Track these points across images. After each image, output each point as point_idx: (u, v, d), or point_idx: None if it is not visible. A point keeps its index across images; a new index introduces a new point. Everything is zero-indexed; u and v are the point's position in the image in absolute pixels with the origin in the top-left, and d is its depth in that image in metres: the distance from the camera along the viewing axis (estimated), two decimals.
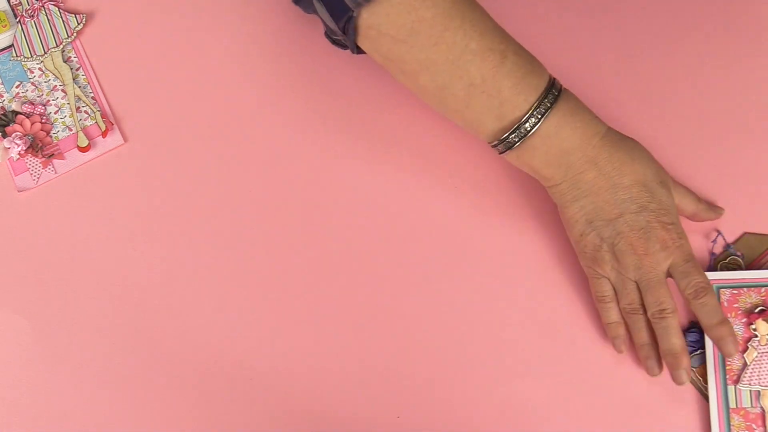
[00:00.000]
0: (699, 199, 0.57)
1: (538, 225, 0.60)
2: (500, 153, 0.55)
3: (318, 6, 0.52)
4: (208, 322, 0.59)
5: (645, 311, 0.54)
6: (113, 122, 0.64)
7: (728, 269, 0.57)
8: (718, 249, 0.58)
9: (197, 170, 0.62)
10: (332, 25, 0.53)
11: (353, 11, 0.50)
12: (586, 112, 0.54)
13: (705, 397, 0.55)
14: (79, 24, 0.66)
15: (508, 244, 0.60)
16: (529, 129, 0.52)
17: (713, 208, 0.58)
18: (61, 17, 0.66)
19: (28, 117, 0.63)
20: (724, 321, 0.53)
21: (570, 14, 0.65)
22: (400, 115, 0.63)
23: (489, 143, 0.55)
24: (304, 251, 0.60)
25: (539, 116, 0.52)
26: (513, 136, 0.53)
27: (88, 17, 0.67)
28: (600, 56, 0.64)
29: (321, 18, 0.53)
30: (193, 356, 0.58)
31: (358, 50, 0.55)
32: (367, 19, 0.51)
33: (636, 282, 0.54)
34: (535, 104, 0.52)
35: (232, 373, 0.58)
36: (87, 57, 0.66)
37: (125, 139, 0.63)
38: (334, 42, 0.59)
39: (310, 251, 0.60)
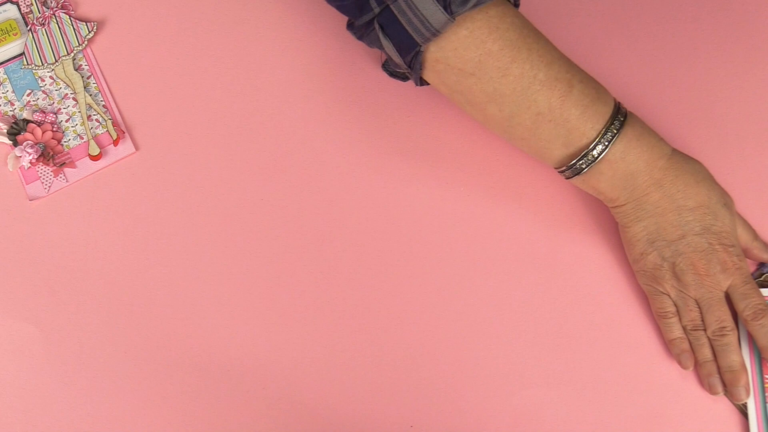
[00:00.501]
0: (756, 235, 0.58)
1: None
2: (567, 178, 0.56)
3: (385, 42, 0.53)
4: (221, 330, 0.58)
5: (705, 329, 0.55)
6: (124, 130, 0.63)
7: (763, 287, 0.56)
8: (752, 267, 0.58)
9: (209, 179, 0.62)
10: (398, 59, 0.53)
11: (421, 46, 0.51)
12: (652, 135, 0.55)
13: (744, 414, 0.55)
14: (90, 32, 0.66)
15: (527, 250, 0.60)
16: (596, 155, 0.53)
17: None
18: (72, 25, 0.66)
19: (39, 125, 0.63)
20: None
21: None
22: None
23: (556, 169, 0.56)
24: (318, 260, 0.60)
25: (606, 143, 0.53)
26: (581, 162, 0.53)
27: (99, 25, 0.66)
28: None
29: (386, 52, 0.54)
30: (205, 364, 0.58)
31: (422, 82, 0.56)
32: (435, 53, 0.52)
33: (696, 300, 0.55)
34: (603, 131, 0.53)
35: (244, 381, 0.57)
36: (98, 65, 0.65)
37: (137, 148, 0.63)
38: (392, 74, 0.61)
39: (325, 260, 0.60)
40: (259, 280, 0.60)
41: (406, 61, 0.53)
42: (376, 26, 0.52)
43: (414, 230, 0.61)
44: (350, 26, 0.56)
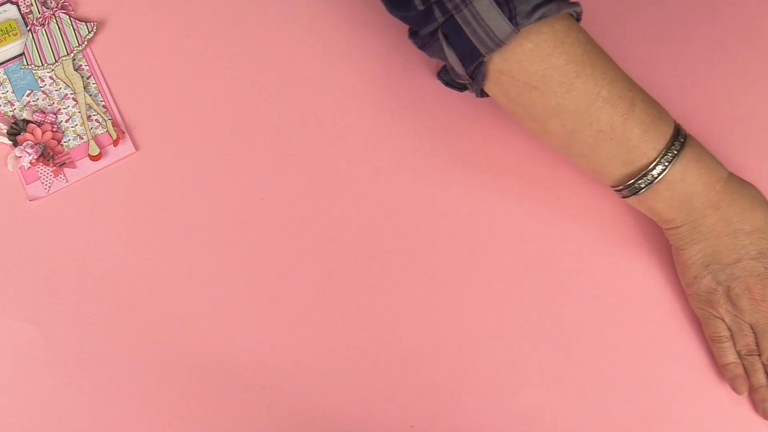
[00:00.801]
0: None
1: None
2: (623, 197, 0.56)
3: (448, 52, 0.53)
4: (221, 330, 0.58)
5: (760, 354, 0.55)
6: (124, 131, 0.63)
7: None
8: None
9: (209, 179, 0.62)
10: (461, 70, 0.53)
11: (484, 56, 0.51)
12: (710, 158, 0.55)
13: None
14: (90, 32, 0.66)
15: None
16: (656, 176, 0.53)
17: None
18: (72, 25, 0.66)
19: (39, 125, 0.63)
20: None
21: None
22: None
23: (612, 188, 0.56)
24: (318, 260, 0.60)
25: (666, 163, 0.52)
26: (640, 182, 0.53)
27: (99, 25, 0.67)
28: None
29: (448, 63, 0.54)
30: (205, 364, 0.58)
31: (482, 94, 0.56)
32: (499, 65, 0.52)
33: (751, 325, 0.54)
34: (663, 151, 0.52)
35: (244, 381, 0.57)
36: (98, 65, 0.65)
37: (137, 148, 0.63)
38: (449, 84, 0.61)
39: (325, 260, 0.60)
40: (259, 280, 0.60)
41: (469, 71, 0.53)
42: (440, 36, 0.52)
43: (415, 230, 0.61)
44: (413, 35, 0.56)
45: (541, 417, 0.56)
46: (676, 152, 0.53)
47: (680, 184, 0.53)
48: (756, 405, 0.55)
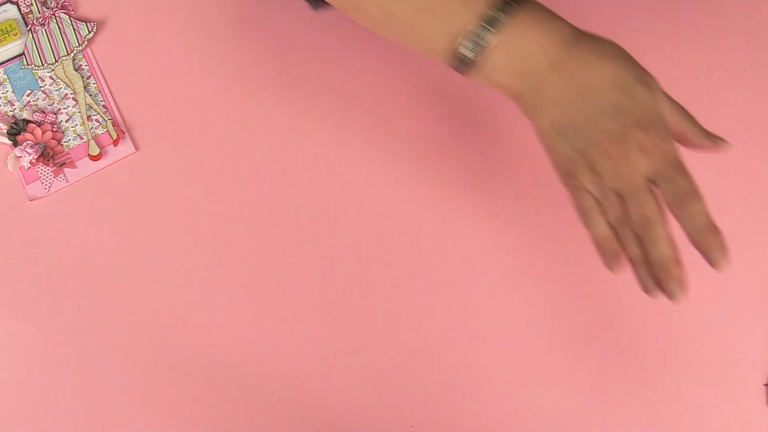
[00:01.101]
0: (693, 119, 0.49)
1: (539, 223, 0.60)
2: (463, 74, 0.50)
3: None
4: (221, 330, 0.58)
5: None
6: (124, 131, 0.63)
7: None
8: None
9: (209, 178, 0.62)
10: None
11: None
12: (551, 18, 0.48)
13: None
14: (90, 32, 0.66)
15: (518, 248, 0.60)
16: (483, 41, 0.47)
17: (710, 136, 0.48)
18: (72, 25, 0.66)
19: (39, 125, 0.63)
20: (713, 229, 0.46)
21: None
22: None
23: (450, 66, 0.51)
24: (318, 259, 0.60)
25: (491, 27, 0.47)
26: (465, 51, 0.48)
27: (99, 25, 0.67)
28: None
29: None
30: (207, 365, 0.58)
31: (316, 4, 0.53)
32: None
33: (615, 191, 0.48)
34: (488, 14, 0.47)
35: (244, 381, 0.57)
36: (98, 65, 0.65)
37: (137, 148, 0.63)
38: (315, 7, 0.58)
39: (325, 260, 0.60)
40: (259, 280, 0.60)
41: None
42: None
43: (415, 230, 0.61)
44: None
45: (541, 417, 0.56)
46: (504, 13, 0.47)
47: (514, 47, 0.47)
48: (637, 279, 0.48)
